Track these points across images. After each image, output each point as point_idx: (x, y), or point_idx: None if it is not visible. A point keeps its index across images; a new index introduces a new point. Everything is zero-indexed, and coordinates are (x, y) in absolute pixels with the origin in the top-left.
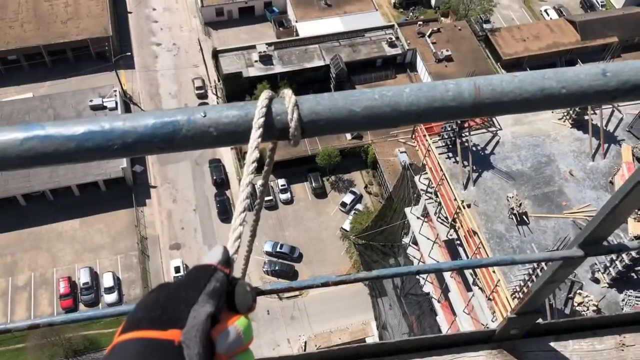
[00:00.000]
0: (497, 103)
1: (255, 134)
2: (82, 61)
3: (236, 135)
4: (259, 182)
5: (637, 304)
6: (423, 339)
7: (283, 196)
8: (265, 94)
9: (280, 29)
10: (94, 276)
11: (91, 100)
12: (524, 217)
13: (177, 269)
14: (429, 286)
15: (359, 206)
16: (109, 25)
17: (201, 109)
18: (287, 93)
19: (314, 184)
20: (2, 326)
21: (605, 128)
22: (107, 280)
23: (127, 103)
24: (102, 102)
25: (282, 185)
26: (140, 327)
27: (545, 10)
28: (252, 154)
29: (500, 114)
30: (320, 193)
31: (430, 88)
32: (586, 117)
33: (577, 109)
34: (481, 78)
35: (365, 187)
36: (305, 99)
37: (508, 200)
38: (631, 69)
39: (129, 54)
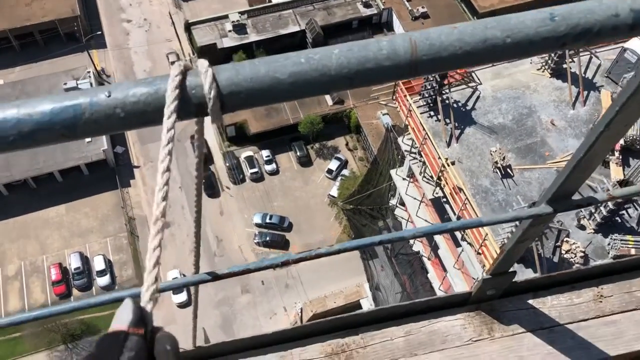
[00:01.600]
0: (436, 59)
1: (168, 113)
2: (51, 43)
3: (147, 116)
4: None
5: (622, 247)
6: (398, 306)
7: (268, 167)
8: (176, 67)
9: None
10: (85, 260)
11: (65, 84)
12: (508, 170)
13: None
14: (419, 245)
15: (345, 172)
16: (76, 4)
17: (106, 88)
18: (202, 63)
19: (298, 153)
20: None
21: (584, 75)
22: (98, 264)
23: (103, 84)
24: (77, 84)
25: (266, 157)
26: None
27: None
28: (166, 135)
29: (440, 70)
30: (305, 161)
31: (361, 47)
32: (564, 66)
33: (555, 57)
34: (418, 32)
35: (347, 144)
36: (224, 69)
37: (491, 154)
38: (580, 10)
39: (100, 32)
